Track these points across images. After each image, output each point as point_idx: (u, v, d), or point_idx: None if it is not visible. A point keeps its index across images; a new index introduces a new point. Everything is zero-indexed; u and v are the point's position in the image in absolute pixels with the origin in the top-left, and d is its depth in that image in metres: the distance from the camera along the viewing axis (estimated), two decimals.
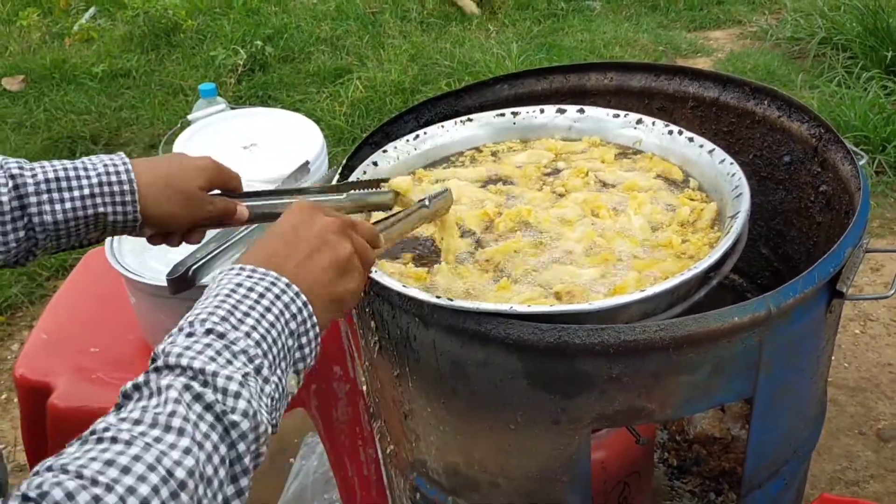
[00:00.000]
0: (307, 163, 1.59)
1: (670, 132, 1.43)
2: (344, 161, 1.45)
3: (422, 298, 1.08)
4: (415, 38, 4.27)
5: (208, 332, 0.71)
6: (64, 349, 1.56)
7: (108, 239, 1.50)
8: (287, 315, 0.76)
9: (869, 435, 2.01)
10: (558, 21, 4.45)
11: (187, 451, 0.62)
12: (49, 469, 0.58)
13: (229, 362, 0.69)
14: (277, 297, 0.76)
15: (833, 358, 2.22)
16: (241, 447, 0.67)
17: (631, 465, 1.48)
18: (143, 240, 1.45)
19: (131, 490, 0.57)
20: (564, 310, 1.06)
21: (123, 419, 0.63)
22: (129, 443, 0.60)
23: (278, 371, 0.74)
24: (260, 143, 1.89)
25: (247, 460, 0.68)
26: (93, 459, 0.58)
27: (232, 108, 2.13)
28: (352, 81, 3.81)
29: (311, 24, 4.52)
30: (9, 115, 3.84)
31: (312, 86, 3.94)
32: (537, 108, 1.56)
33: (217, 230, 1.23)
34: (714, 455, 1.84)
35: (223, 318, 0.72)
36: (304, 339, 0.78)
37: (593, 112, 1.52)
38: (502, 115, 1.55)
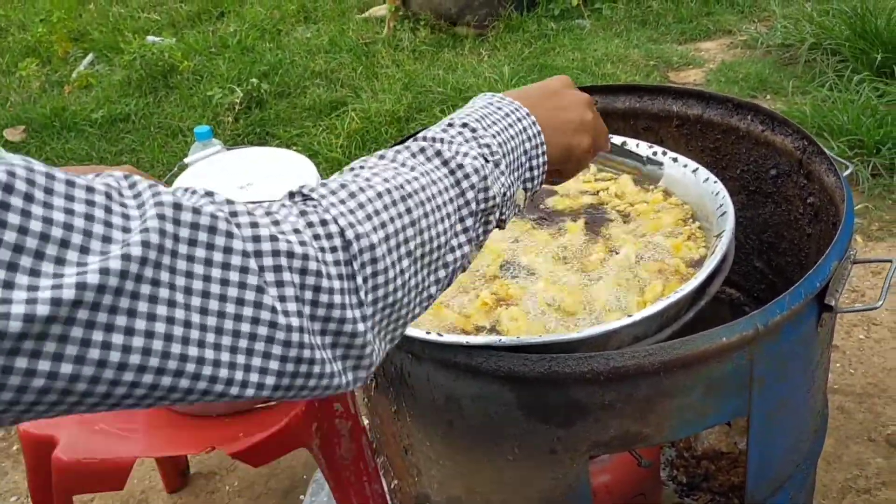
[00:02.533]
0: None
1: (654, 153, 1.44)
2: None
3: (412, 335, 1.09)
4: (408, 67, 4.31)
5: (464, 125, 0.81)
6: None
7: None
8: (524, 136, 0.85)
9: (879, 441, 1.99)
10: (549, 41, 4.49)
11: (416, 178, 0.73)
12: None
13: (473, 148, 0.79)
14: (519, 119, 0.85)
15: (838, 364, 2.22)
16: (470, 195, 0.76)
17: (636, 487, 1.48)
18: None
19: (370, 185, 0.70)
20: (553, 339, 1.07)
21: (370, 157, 0.76)
22: (372, 167, 0.73)
23: (512, 175, 0.83)
24: (256, 183, 1.91)
25: (473, 206, 0.77)
26: (342, 174, 0.73)
27: (228, 149, 2.16)
28: (347, 113, 3.84)
29: (305, 58, 4.57)
30: None
31: (309, 119, 3.98)
32: None
33: None
34: (723, 470, 1.83)
35: (476, 121, 0.82)
36: (534, 162, 0.86)
37: None
38: None
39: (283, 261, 0.60)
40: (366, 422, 1.78)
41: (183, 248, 0.55)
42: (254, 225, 0.60)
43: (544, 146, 0.87)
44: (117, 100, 4.41)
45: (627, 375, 1.03)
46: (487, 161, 0.78)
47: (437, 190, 0.74)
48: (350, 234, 0.65)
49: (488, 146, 0.80)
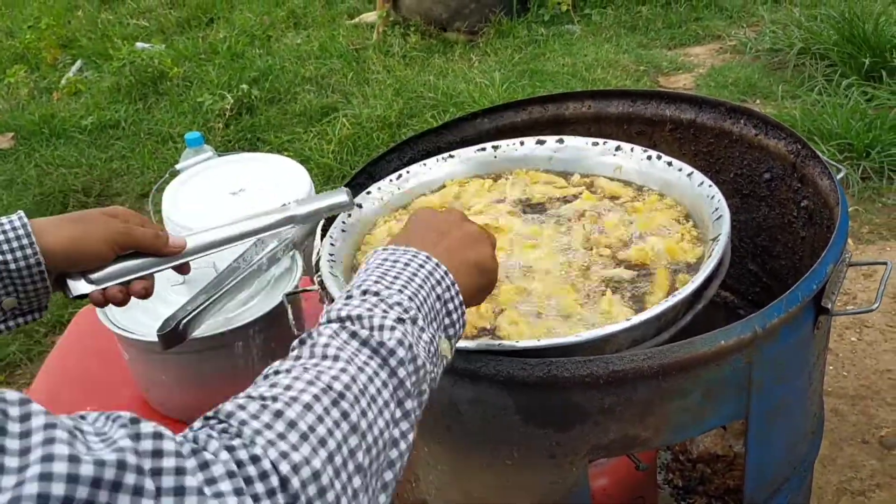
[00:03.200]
0: (285, 205, 1.60)
1: (649, 157, 1.45)
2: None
3: None
4: (398, 73, 4.31)
5: (364, 292, 0.76)
6: (60, 410, 1.56)
7: None
8: (432, 280, 0.81)
9: (872, 443, 2.00)
10: (539, 47, 4.50)
11: (344, 370, 0.66)
12: (224, 402, 0.63)
13: (385, 312, 0.74)
14: (420, 265, 0.82)
15: (831, 367, 2.23)
16: (402, 373, 0.70)
17: (634, 490, 1.48)
18: None
19: (294, 398, 0.62)
20: (552, 343, 1.06)
21: (284, 360, 0.69)
22: (288, 370, 0.66)
23: (432, 327, 0.78)
24: (247, 189, 1.91)
25: (408, 384, 0.70)
26: (259, 387, 0.65)
27: (219, 155, 2.15)
28: (338, 119, 3.84)
29: (295, 64, 4.57)
30: (0, 173, 3.87)
31: (300, 125, 3.98)
32: (517, 140, 1.57)
33: (209, 282, 1.24)
34: (718, 473, 1.83)
35: (376, 282, 0.78)
36: (450, 306, 0.83)
37: (572, 141, 1.54)
38: (483, 149, 1.57)
39: None
40: None
41: None
42: (180, 472, 0.51)
43: (455, 285, 0.83)
44: (107, 106, 4.39)
45: (626, 379, 1.03)
46: (404, 321, 0.73)
47: (366, 378, 0.67)
48: (285, 468, 0.56)
49: (399, 304, 0.75)
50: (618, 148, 1.50)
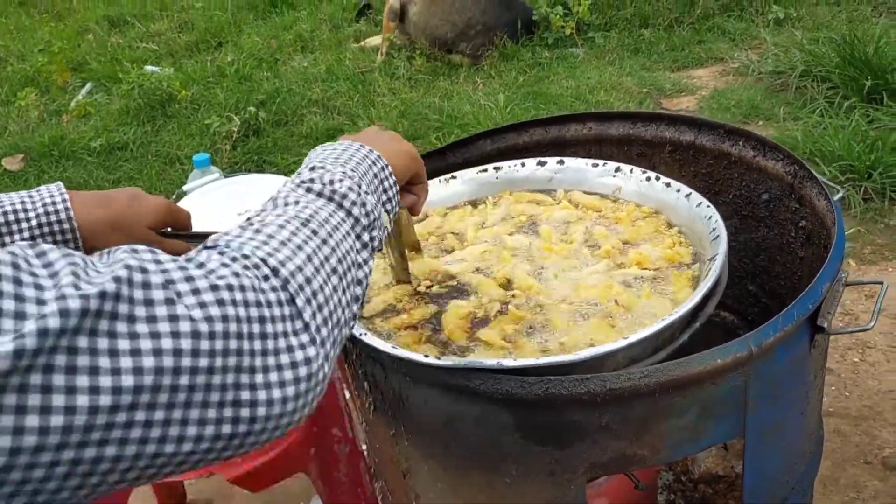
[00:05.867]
0: None
1: (648, 178, 1.47)
2: None
3: (410, 358, 1.10)
4: (404, 95, 4.36)
5: (312, 168, 0.84)
6: None
7: None
8: (367, 162, 0.90)
9: (875, 464, 2.00)
10: (543, 70, 4.54)
11: (306, 207, 0.75)
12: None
13: (332, 174, 0.82)
14: (357, 150, 0.90)
15: (833, 388, 2.23)
16: (356, 212, 0.80)
17: None
18: None
19: (267, 223, 0.70)
20: (551, 362, 1.08)
21: (254, 214, 0.77)
22: (259, 217, 0.73)
23: (374, 197, 0.86)
24: (254, 209, 1.93)
25: (364, 221, 0.80)
26: (235, 230, 0.71)
27: (226, 177, 2.18)
28: None
29: (302, 87, 4.62)
30: None
31: (306, 147, 4.01)
32: (518, 161, 1.60)
33: None
34: (720, 493, 1.83)
35: (320, 164, 0.85)
36: (385, 184, 0.91)
37: (573, 163, 1.56)
38: (485, 170, 1.59)
39: (225, 294, 0.60)
40: (364, 445, 1.78)
41: (127, 308, 0.54)
42: (183, 269, 0.59)
43: (388, 167, 0.93)
44: (115, 128, 4.44)
45: (623, 397, 1.04)
46: (351, 178, 0.83)
47: (325, 215, 0.76)
48: (273, 261, 0.65)
49: (343, 173, 0.83)
50: (617, 169, 1.52)
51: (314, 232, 0.72)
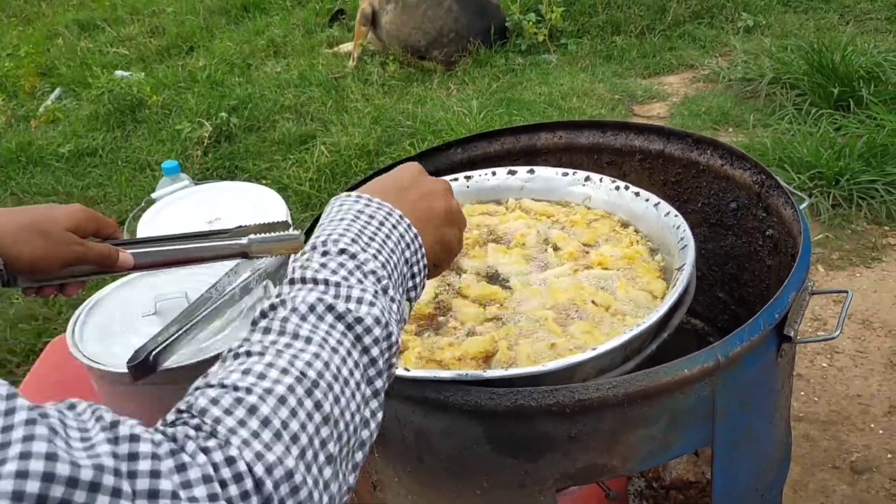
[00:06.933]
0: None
1: (617, 188, 1.47)
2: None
3: None
4: (377, 101, 4.35)
5: (342, 251, 0.75)
6: None
7: (70, 325, 1.50)
8: (403, 244, 0.81)
9: (843, 468, 2.02)
10: (516, 76, 4.56)
11: (317, 355, 0.65)
12: (197, 388, 0.63)
13: (361, 281, 0.73)
14: (394, 226, 0.81)
15: (802, 393, 2.26)
16: (375, 351, 0.70)
17: None
18: (106, 324, 1.44)
19: (269, 391, 0.61)
20: (520, 373, 1.08)
21: (255, 331, 0.69)
22: (261, 353, 0.65)
23: (399, 293, 0.78)
24: (224, 217, 1.91)
25: (381, 363, 0.71)
26: (231, 372, 0.63)
27: (196, 184, 2.16)
28: (317, 147, 3.86)
29: (275, 92, 4.60)
30: None
31: (278, 153, 3.99)
32: (489, 170, 1.60)
33: (181, 312, 1.23)
34: (691, 499, 1.84)
35: (353, 241, 0.76)
36: (415, 269, 0.83)
37: (543, 172, 1.57)
38: (455, 179, 1.59)
39: None
40: None
41: None
42: (154, 475, 0.52)
43: (422, 249, 0.83)
44: (84, 134, 4.39)
45: (592, 408, 1.05)
46: (381, 294, 0.73)
47: (339, 360, 0.67)
48: (259, 470, 0.57)
49: (374, 272, 0.74)
50: (587, 178, 1.53)
51: (318, 405, 0.62)
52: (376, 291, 0.73)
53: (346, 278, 0.73)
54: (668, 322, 1.17)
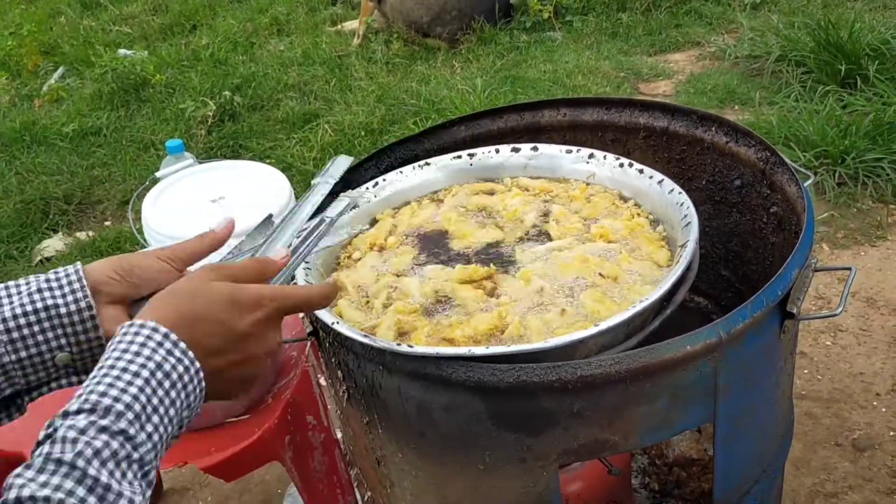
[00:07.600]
0: (270, 216, 1.61)
1: (621, 165, 1.47)
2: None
3: (383, 347, 1.10)
4: (381, 79, 4.33)
5: (121, 432, 0.71)
6: (40, 420, 1.56)
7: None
8: (189, 401, 0.78)
9: (845, 446, 2.03)
10: (521, 54, 4.53)
11: None
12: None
13: (131, 483, 0.70)
14: (185, 386, 0.77)
15: (805, 371, 2.26)
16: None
17: (608, 494, 1.50)
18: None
19: None
20: (522, 349, 1.08)
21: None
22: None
23: (166, 445, 0.75)
24: (228, 197, 1.91)
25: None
26: None
27: (200, 163, 2.16)
28: (320, 126, 3.85)
29: (278, 71, 4.58)
30: None
31: (282, 132, 3.98)
32: (492, 148, 1.59)
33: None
34: (694, 477, 1.85)
35: (136, 417, 0.72)
36: (191, 400, 0.79)
37: (547, 149, 1.56)
38: (459, 157, 1.59)
39: None
40: (339, 434, 1.78)
41: None
42: None
43: (203, 388, 0.79)
44: (88, 113, 4.38)
45: (594, 384, 1.05)
46: (137, 491, 0.69)
47: None
48: None
49: (142, 464, 0.71)
50: (591, 155, 1.52)
51: None
52: (141, 485, 0.70)
53: (119, 481, 0.69)
54: (672, 298, 1.17)
